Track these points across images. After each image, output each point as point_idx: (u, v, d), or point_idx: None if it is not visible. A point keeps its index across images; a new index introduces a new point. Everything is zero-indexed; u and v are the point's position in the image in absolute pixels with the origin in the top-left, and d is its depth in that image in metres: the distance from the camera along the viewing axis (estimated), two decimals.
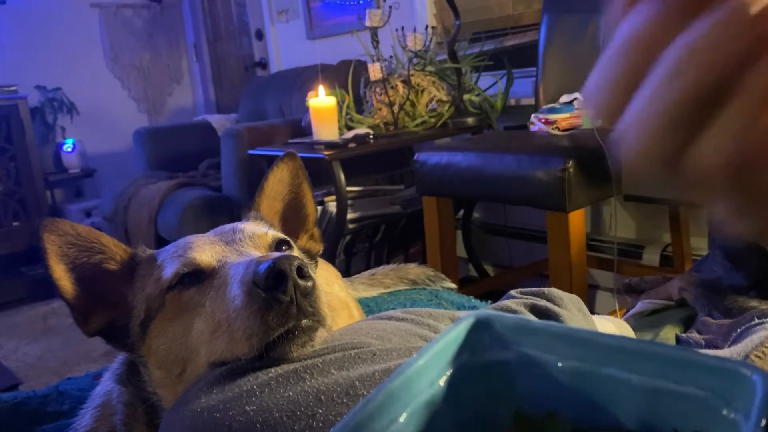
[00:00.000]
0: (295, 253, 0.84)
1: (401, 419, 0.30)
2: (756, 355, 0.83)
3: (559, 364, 0.31)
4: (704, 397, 0.28)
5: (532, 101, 2.59)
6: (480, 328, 0.33)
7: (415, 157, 2.27)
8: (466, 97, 2.72)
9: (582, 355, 0.31)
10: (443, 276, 1.63)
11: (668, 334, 1.33)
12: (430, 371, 0.31)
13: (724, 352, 0.90)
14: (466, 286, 2.64)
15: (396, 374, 0.30)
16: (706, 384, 0.28)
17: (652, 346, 0.30)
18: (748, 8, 0.20)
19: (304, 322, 0.66)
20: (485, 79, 2.85)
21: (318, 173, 2.39)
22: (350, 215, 2.59)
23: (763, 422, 0.25)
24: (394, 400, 0.29)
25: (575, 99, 2.19)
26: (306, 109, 2.67)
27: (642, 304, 1.46)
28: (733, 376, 0.28)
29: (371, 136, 2.48)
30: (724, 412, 0.28)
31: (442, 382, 0.31)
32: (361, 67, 2.96)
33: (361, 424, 0.28)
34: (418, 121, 2.69)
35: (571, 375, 0.31)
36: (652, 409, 0.30)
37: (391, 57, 2.85)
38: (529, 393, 0.33)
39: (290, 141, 2.82)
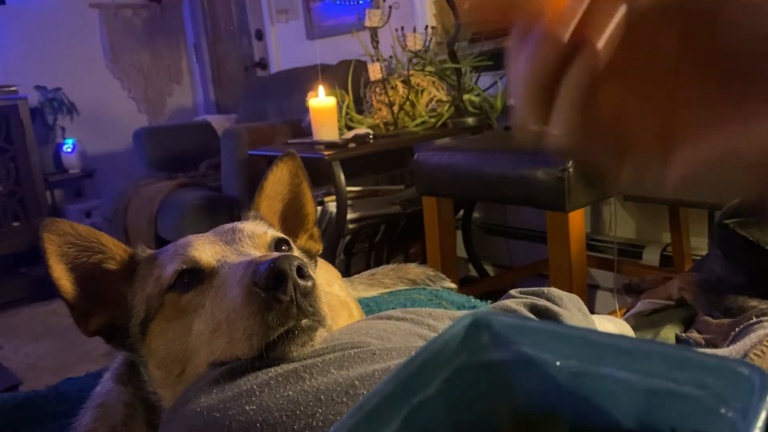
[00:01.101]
0: (295, 252, 0.84)
1: (399, 418, 0.30)
2: (755, 354, 0.83)
3: (558, 364, 0.31)
4: (702, 396, 0.28)
5: None
6: (478, 327, 0.33)
7: (415, 157, 2.27)
8: (465, 97, 2.72)
9: (580, 355, 0.31)
10: (443, 276, 1.63)
11: (668, 333, 1.32)
12: (428, 371, 0.31)
13: (723, 351, 0.90)
14: (466, 286, 2.64)
15: (395, 373, 0.30)
16: (703, 383, 0.28)
17: (649, 345, 0.30)
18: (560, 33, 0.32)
19: (304, 321, 0.66)
20: (485, 79, 2.85)
21: (318, 173, 2.39)
22: (350, 215, 2.59)
23: (762, 421, 0.25)
24: (393, 400, 0.29)
25: None
26: (306, 110, 2.67)
27: (642, 304, 1.46)
28: (732, 375, 0.28)
29: (371, 136, 2.48)
30: (722, 410, 0.28)
31: (440, 381, 0.31)
32: (361, 67, 2.96)
33: (359, 423, 0.28)
34: (418, 121, 2.69)
35: (569, 374, 0.31)
36: (650, 409, 0.30)
37: (390, 57, 2.85)
38: (527, 392, 0.33)
39: (290, 141, 2.82)
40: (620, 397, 0.30)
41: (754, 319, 0.97)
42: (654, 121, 0.35)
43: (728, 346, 0.88)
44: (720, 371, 0.28)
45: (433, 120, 2.69)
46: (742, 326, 0.95)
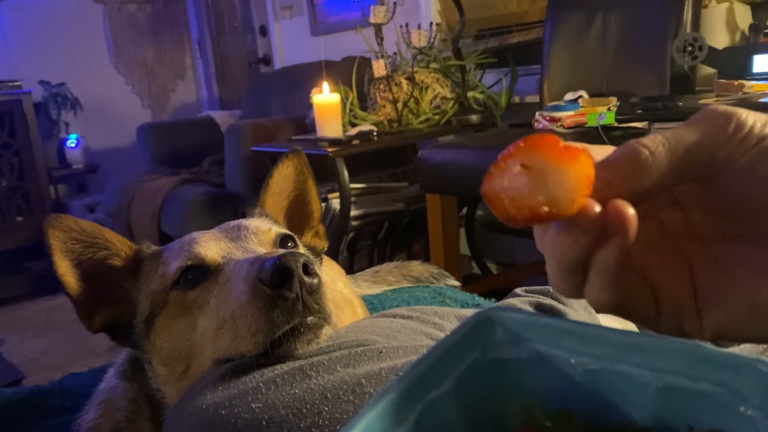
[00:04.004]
0: (301, 250, 0.83)
1: (412, 417, 0.29)
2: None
3: (572, 361, 0.31)
4: (720, 393, 0.28)
5: (536, 99, 2.58)
6: (491, 325, 0.33)
7: (419, 154, 2.26)
8: (470, 94, 2.71)
9: (595, 352, 0.31)
10: (447, 273, 1.62)
11: None
12: (441, 369, 0.31)
13: (733, 350, 0.89)
14: (469, 283, 2.63)
15: (407, 371, 0.30)
16: (721, 380, 0.28)
17: (665, 342, 0.30)
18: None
19: (310, 319, 0.65)
20: (489, 77, 2.84)
21: (321, 170, 2.38)
22: (353, 212, 2.58)
23: None
24: (405, 398, 0.29)
25: (580, 97, 2.19)
26: (310, 106, 2.66)
27: None
28: (751, 373, 0.27)
29: (375, 133, 2.48)
30: (742, 409, 0.27)
31: (453, 379, 0.31)
32: (365, 63, 2.96)
33: (372, 421, 0.27)
34: (422, 118, 2.68)
35: (583, 372, 0.31)
36: (667, 406, 0.30)
37: (395, 54, 2.84)
38: (540, 390, 0.32)
39: (294, 138, 2.82)
40: (636, 395, 0.30)
41: None
42: (682, 279, 0.37)
43: (738, 344, 0.88)
44: (738, 369, 0.27)
45: (437, 117, 2.68)
46: None
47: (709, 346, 0.29)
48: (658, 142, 0.34)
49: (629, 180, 0.34)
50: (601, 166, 0.35)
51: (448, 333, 0.33)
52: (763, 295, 0.34)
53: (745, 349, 0.82)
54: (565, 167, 0.32)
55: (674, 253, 0.38)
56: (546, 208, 0.32)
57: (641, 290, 0.36)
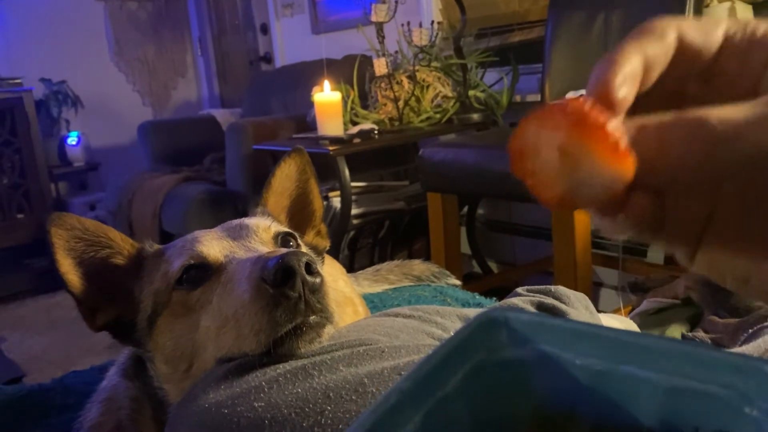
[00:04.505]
0: (302, 248, 0.84)
1: (417, 419, 0.29)
2: None
3: (578, 362, 0.31)
4: (726, 395, 0.28)
5: (537, 97, 2.58)
6: (496, 325, 0.33)
7: (420, 153, 2.26)
8: (471, 93, 2.71)
9: (601, 353, 0.31)
10: (448, 273, 1.62)
11: (674, 332, 1.32)
12: (446, 370, 0.31)
13: (736, 351, 0.89)
14: (470, 282, 2.63)
15: (411, 373, 0.30)
16: (728, 382, 0.28)
17: (672, 344, 0.30)
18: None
19: (312, 318, 0.65)
20: (491, 75, 2.84)
21: (322, 168, 2.38)
22: (354, 211, 2.59)
23: None
24: (410, 400, 0.29)
25: (581, 96, 2.18)
26: (311, 104, 2.66)
27: (647, 303, 1.46)
28: (757, 374, 0.27)
29: (376, 132, 2.48)
30: (747, 410, 0.27)
31: (458, 381, 0.31)
32: (367, 62, 2.96)
33: (376, 424, 0.27)
34: (423, 116, 2.68)
35: (589, 373, 0.31)
36: (673, 408, 0.29)
37: (396, 52, 2.84)
38: (546, 391, 0.32)
39: (295, 136, 2.82)
40: (642, 397, 0.30)
41: None
42: (700, 215, 0.33)
43: (740, 345, 0.88)
44: (745, 370, 0.27)
45: (438, 116, 2.68)
46: (755, 327, 0.94)
47: (718, 348, 0.29)
48: (735, 125, 0.26)
49: (672, 168, 0.28)
50: (649, 135, 0.28)
51: (453, 333, 0.33)
52: (755, 274, 0.33)
53: (747, 351, 0.82)
54: (606, 167, 0.28)
55: (707, 190, 0.33)
56: (563, 196, 0.30)
57: (652, 217, 0.32)
